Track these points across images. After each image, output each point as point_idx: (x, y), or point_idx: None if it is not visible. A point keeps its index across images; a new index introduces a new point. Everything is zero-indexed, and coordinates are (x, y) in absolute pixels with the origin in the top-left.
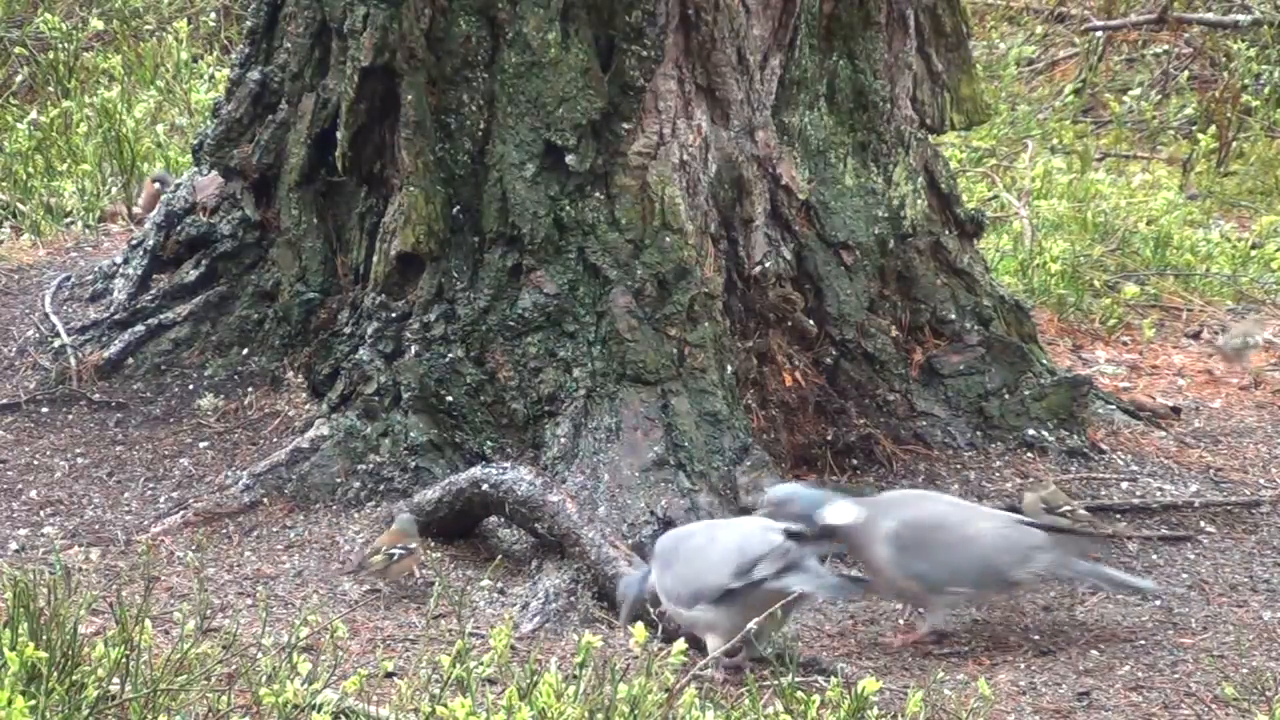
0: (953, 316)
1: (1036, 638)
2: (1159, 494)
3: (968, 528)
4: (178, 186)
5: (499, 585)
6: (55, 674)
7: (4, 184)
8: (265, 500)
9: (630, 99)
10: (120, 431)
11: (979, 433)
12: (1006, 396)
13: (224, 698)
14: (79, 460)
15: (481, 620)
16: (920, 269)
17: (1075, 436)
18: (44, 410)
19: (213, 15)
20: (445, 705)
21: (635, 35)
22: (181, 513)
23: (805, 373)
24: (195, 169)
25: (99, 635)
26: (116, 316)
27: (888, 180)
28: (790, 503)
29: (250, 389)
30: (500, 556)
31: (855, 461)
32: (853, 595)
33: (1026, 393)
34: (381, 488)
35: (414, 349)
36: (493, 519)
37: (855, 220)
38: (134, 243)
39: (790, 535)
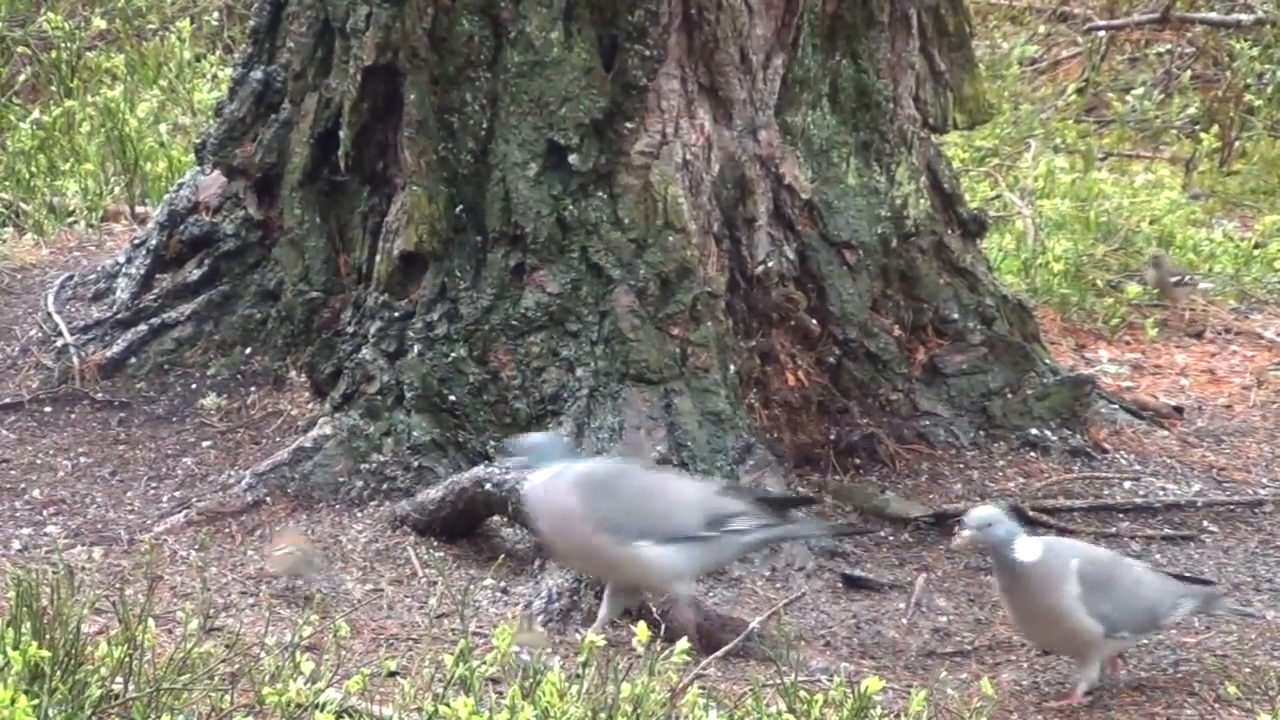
0: (955, 316)
1: None
2: (1162, 493)
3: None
4: (180, 186)
5: (502, 584)
6: (58, 673)
7: (7, 183)
8: (268, 499)
9: (633, 98)
10: (123, 431)
11: (982, 432)
12: (1009, 396)
13: (227, 697)
14: (82, 459)
15: (484, 619)
16: (923, 268)
17: (1078, 436)
18: (47, 410)
19: (216, 14)
20: (448, 705)
21: (638, 34)
22: (185, 512)
23: (808, 372)
24: (198, 168)
25: (102, 634)
26: (119, 316)
27: (890, 180)
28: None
29: (253, 388)
30: (503, 556)
31: (858, 461)
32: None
33: (1029, 392)
34: (384, 487)
35: (417, 348)
36: (496, 518)
37: (858, 220)
38: (136, 242)
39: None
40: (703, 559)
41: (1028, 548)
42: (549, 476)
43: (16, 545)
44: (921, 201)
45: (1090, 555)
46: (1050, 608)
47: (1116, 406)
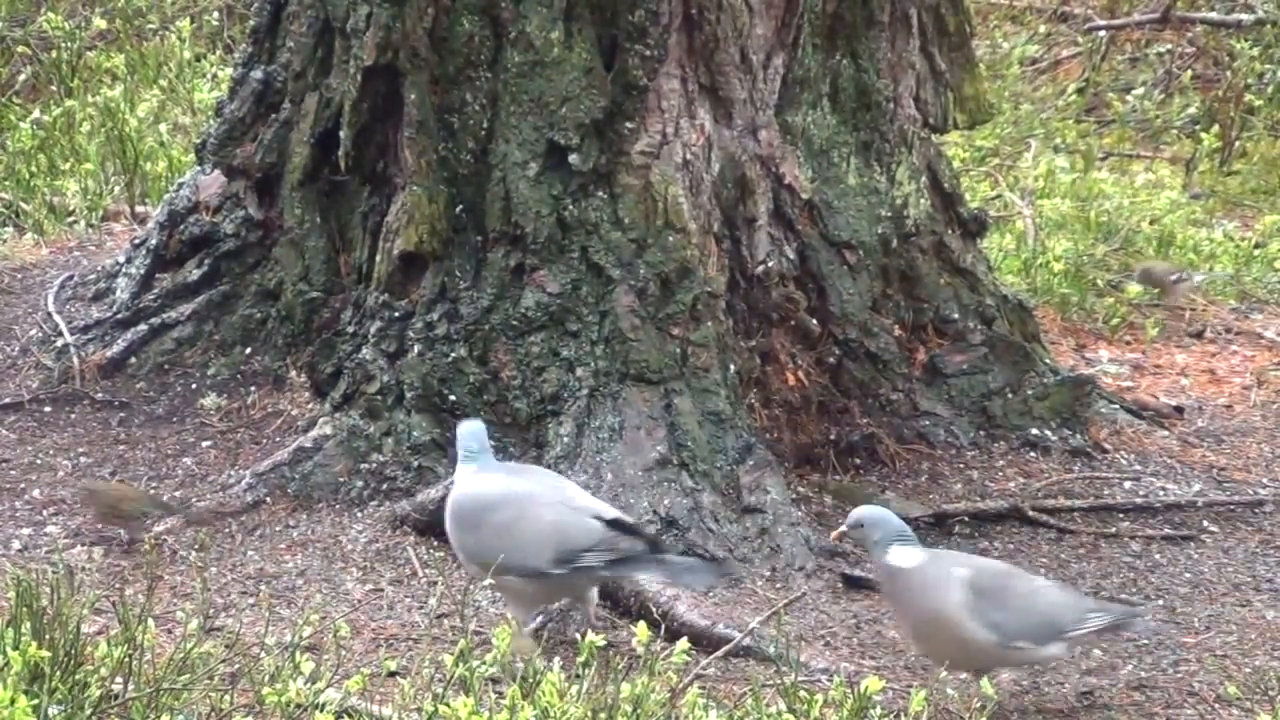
0: (956, 316)
1: None
2: (1162, 493)
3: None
4: (180, 186)
5: None
6: (58, 673)
7: (7, 183)
8: (268, 499)
9: (633, 98)
10: (123, 431)
11: (982, 432)
12: (1009, 396)
13: (227, 697)
14: (82, 459)
15: (484, 619)
16: (923, 268)
17: (1078, 436)
18: (47, 409)
19: (216, 14)
20: (448, 704)
21: (638, 34)
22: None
23: (808, 372)
24: (198, 168)
25: (102, 634)
26: (119, 316)
27: (891, 179)
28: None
29: (253, 388)
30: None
31: (858, 461)
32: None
33: (1029, 392)
34: (384, 487)
35: (417, 348)
36: None
37: (858, 219)
38: (137, 242)
39: (610, 524)
40: (548, 594)
41: (905, 555)
42: (457, 484)
43: (16, 545)
44: (922, 201)
45: (980, 565)
46: (933, 617)
47: (1117, 406)
